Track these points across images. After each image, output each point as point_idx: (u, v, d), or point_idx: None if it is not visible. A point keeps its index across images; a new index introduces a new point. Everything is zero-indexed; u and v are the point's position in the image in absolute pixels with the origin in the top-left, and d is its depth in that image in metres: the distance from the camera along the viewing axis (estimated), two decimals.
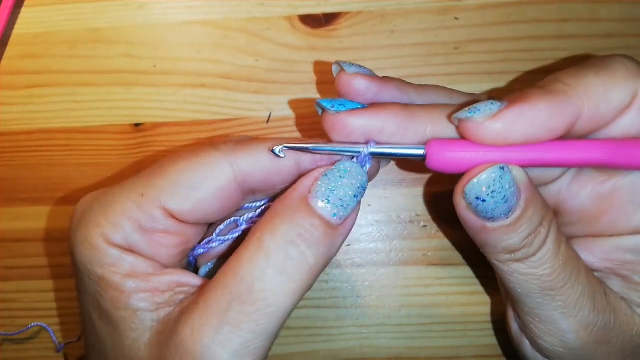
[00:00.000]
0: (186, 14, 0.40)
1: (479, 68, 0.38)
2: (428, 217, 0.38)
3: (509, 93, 0.27)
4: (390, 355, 0.37)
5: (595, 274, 0.27)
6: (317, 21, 0.39)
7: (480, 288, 0.37)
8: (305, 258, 0.24)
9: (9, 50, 0.41)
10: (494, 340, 0.37)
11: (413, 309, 0.37)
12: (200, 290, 0.25)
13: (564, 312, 0.25)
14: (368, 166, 0.26)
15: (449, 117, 0.25)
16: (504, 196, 0.23)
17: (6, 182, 0.40)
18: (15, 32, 0.41)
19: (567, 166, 0.25)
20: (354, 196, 0.25)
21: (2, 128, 0.40)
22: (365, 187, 0.26)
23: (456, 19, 0.39)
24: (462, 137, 0.25)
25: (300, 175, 0.26)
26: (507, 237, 0.24)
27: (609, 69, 0.24)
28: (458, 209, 0.25)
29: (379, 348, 0.37)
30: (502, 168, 0.23)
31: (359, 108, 0.25)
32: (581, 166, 0.25)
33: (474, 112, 0.24)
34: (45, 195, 0.39)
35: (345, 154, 0.26)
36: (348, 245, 0.38)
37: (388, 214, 0.38)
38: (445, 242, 0.38)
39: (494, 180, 0.23)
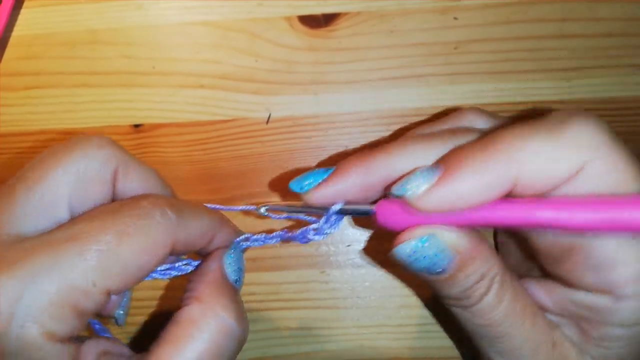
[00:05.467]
0: (185, 15, 0.40)
1: (479, 68, 0.38)
2: None
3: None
4: (391, 356, 0.37)
5: (553, 317, 0.27)
6: (317, 21, 0.39)
7: None
8: (245, 331, 0.26)
9: (8, 52, 0.40)
10: None
11: (413, 310, 0.37)
12: None
13: (505, 357, 0.26)
14: (336, 223, 0.29)
15: (384, 184, 0.26)
16: (431, 262, 0.24)
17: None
18: (14, 33, 0.40)
19: (510, 227, 0.24)
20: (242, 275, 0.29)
21: (1, 129, 0.40)
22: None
23: (456, 18, 0.38)
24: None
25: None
26: (444, 288, 0.26)
27: (561, 134, 0.22)
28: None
29: (379, 349, 0.37)
30: (428, 238, 0.24)
31: (323, 180, 0.28)
32: (526, 227, 0.24)
33: (406, 190, 0.24)
34: None
35: (315, 212, 0.29)
36: (348, 245, 0.38)
37: None
38: None
39: (418, 248, 0.24)
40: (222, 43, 0.40)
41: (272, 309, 0.36)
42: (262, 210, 0.30)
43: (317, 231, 0.29)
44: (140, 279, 0.25)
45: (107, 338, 0.27)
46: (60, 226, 0.24)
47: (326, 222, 0.29)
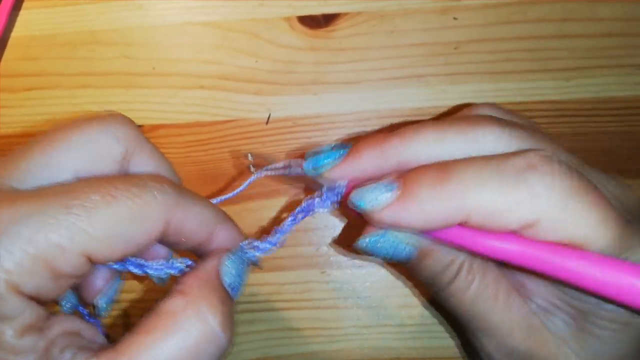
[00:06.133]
0: (185, 15, 0.40)
1: (479, 68, 0.38)
2: None
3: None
4: (392, 356, 0.37)
5: (544, 304, 0.27)
6: (317, 22, 0.39)
7: None
8: (229, 339, 0.24)
9: (8, 53, 0.40)
10: None
11: (414, 310, 0.37)
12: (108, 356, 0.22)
13: (485, 335, 0.27)
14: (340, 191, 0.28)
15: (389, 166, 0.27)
16: (389, 254, 0.26)
17: None
18: (13, 34, 0.40)
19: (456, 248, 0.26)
20: (243, 283, 0.27)
21: (1, 131, 0.40)
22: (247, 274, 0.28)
23: (456, 19, 0.38)
24: None
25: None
26: (414, 272, 0.27)
27: (518, 183, 0.22)
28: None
29: (380, 349, 0.37)
30: (382, 235, 0.26)
31: (337, 161, 0.28)
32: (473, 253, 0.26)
33: (364, 203, 0.25)
34: None
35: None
36: (348, 245, 0.38)
37: None
38: None
39: (373, 244, 0.26)
40: (222, 44, 0.40)
41: (272, 310, 0.36)
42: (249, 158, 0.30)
43: (321, 202, 0.29)
44: (125, 254, 0.23)
45: (85, 321, 0.25)
46: (54, 184, 0.23)
47: (328, 191, 0.28)
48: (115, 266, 0.26)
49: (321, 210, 0.29)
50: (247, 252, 0.28)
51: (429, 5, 0.39)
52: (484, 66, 0.38)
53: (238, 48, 0.39)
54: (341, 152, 0.28)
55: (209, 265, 0.26)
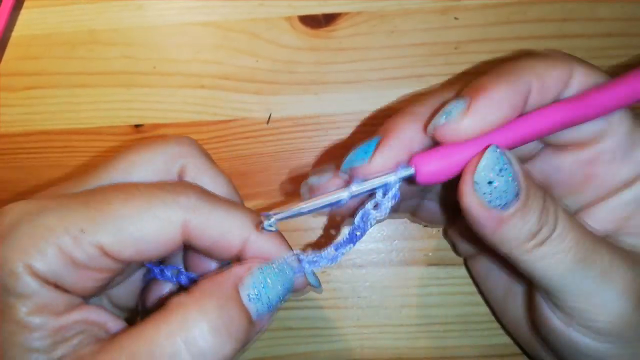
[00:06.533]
0: (185, 15, 0.40)
1: (479, 68, 0.38)
2: None
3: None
4: (391, 356, 0.37)
5: None
6: (317, 22, 0.39)
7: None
8: (223, 348, 0.23)
9: (8, 52, 0.40)
10: (494, 340, 0.37)
11: (414, 309, 0.37)
12: (108, 344, 0.23)
13: (605, 280, 0.25)
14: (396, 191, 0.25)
15: (424, 128, 0.26)
16: (511, 173, 0.24)
17: (5, 184, 0.40)
18: (14, 34, 0.40)
19: (540, 136, 0.26)
20: (279, 298, 0.25)
21: (1, 130, 0.40)
22: (290, 291, 0.26)
23: (456, 18, 0.39)
24: (437, 143, 0.25)
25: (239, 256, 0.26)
26: (524, 221, 0.24)
27: (547, 56, 0.26)
28: (470, 208, 0.24)
29: (380, 348, 0.37)
30: (496, 148, 0.24)
31: (376, 148, 0.26)
32: (553, 131, 0.26)
33: (448, 116, 0.24)
34: None
35: (330, 203, 0.25)
36: None
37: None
38: (445, 242, 0.38)
39: (497, 159, 0.24)
40: (223, 43, 0.40)
41: None
42: (268, 224, 0.25)
43: (378, 207, 0.25)
44: (140, 251, 0.24)
45: (116, 316, 0.25)
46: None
47: (385, 194, 0.25)
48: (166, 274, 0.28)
49: (378, 216, 0.26)
50: (288, 265, 0.26)
51: (429, 5, 0.39)
52: (484, 66, 0.38)
53: (238, 48, 0.39)
54: (372, 142, 0.27)
55: (228, 271, 0.25)
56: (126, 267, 0.26)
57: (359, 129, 0.39)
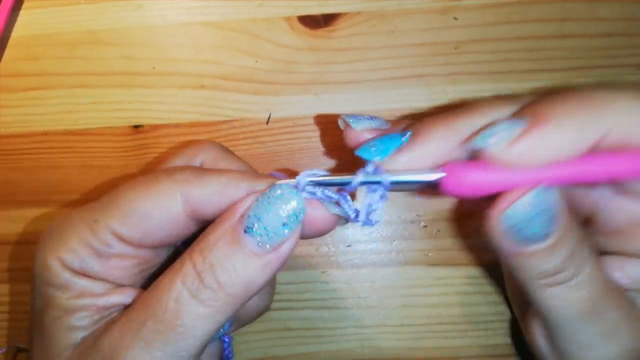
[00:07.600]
0: (185, 15, 0.40)
1: (479, 68, 0.38)
2: (428, 217, 0.38)
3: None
4: (391, 356, 0.37)
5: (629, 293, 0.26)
6: (317, 22, 0.39)
7: (480, 288, 0.37)
8: (222, 286, 0.24)
9: (8, 53, 0.40)
10: (494, 340, 0.37)
11: (414, 309, 0.37)
12: (128, 307, 0.26)
13: (605, 338, 0.24)
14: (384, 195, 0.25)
15: (465, 142, 0.24)
16: (549, 218, 0.22)
17: (5, 184, 0.40)
18: (13, 34, 0.40)
19: (598, 182, 0.24)
20: (283, 225, 0.24)
21: (1, 131, 0.40)
22: (300, 215, 0.24)
23: (456, 18, 0.38)
24: (479, 160, 0.24)
25: None
26: (544, 260, 0.23)
27: (629, 91, 0.23)
28: (493, 234, 0.24)
29: (380, 349, 0.37)
30: (545, 190, 0.22)
31: (403, 145, 0.25)
32: (613, 181, 0.24)
33: (494, 136, 0.23)
34: (45, 198, 0.39)
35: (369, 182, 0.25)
36: (348, 246, 0.38)
37: (388, 214, 0.38)
38: (445, 242, 0.38)
39: (541, 201, 0.22)
40: (223, 44, 0.40)
41: (273, 309, 0.36)
42: (302, 188, 0.25)
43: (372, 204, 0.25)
44: (148, 230, 0.26)
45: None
46: None
47: (372, 194, 0.25)
48: None
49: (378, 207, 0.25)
50: (290, 190, 0.25)
51: (429, 5, 0.39)
52: (484, 66, 0.38)
53: (238, 48, 0.39)
54: (401, 136, 0.26)
55: (227, 211, 0.25)
56: (152, 252, 0.28)
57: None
